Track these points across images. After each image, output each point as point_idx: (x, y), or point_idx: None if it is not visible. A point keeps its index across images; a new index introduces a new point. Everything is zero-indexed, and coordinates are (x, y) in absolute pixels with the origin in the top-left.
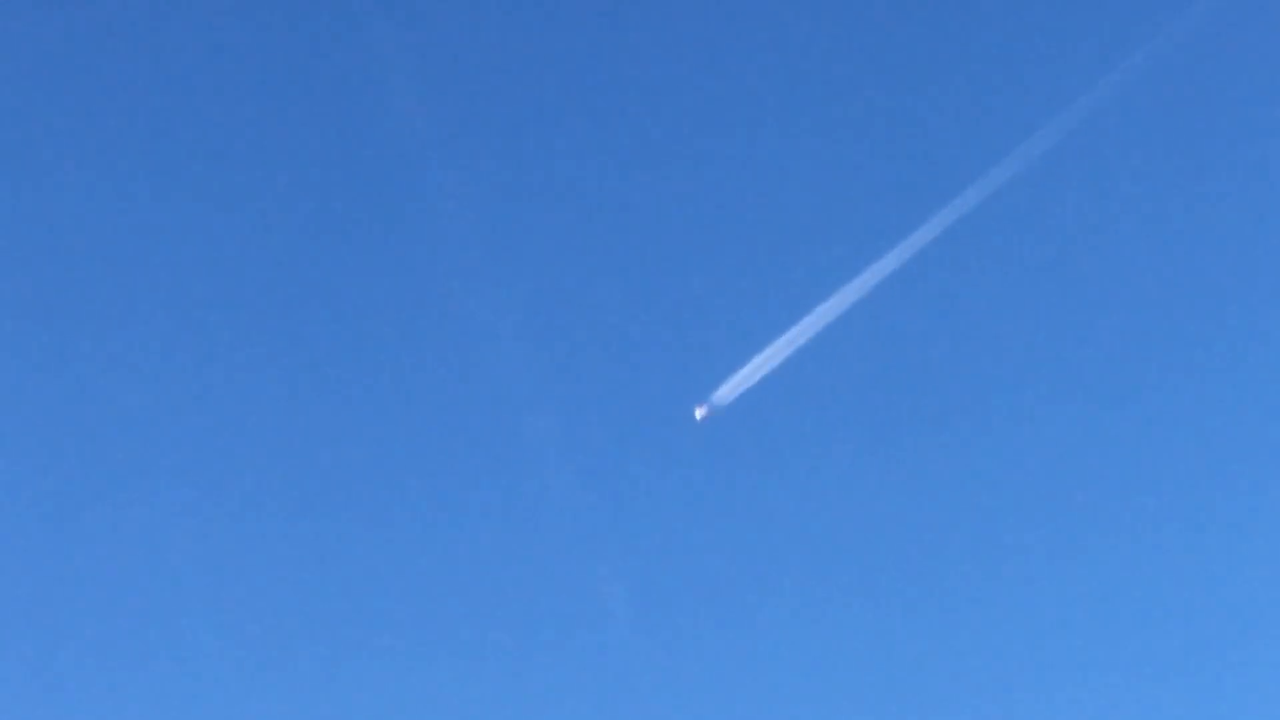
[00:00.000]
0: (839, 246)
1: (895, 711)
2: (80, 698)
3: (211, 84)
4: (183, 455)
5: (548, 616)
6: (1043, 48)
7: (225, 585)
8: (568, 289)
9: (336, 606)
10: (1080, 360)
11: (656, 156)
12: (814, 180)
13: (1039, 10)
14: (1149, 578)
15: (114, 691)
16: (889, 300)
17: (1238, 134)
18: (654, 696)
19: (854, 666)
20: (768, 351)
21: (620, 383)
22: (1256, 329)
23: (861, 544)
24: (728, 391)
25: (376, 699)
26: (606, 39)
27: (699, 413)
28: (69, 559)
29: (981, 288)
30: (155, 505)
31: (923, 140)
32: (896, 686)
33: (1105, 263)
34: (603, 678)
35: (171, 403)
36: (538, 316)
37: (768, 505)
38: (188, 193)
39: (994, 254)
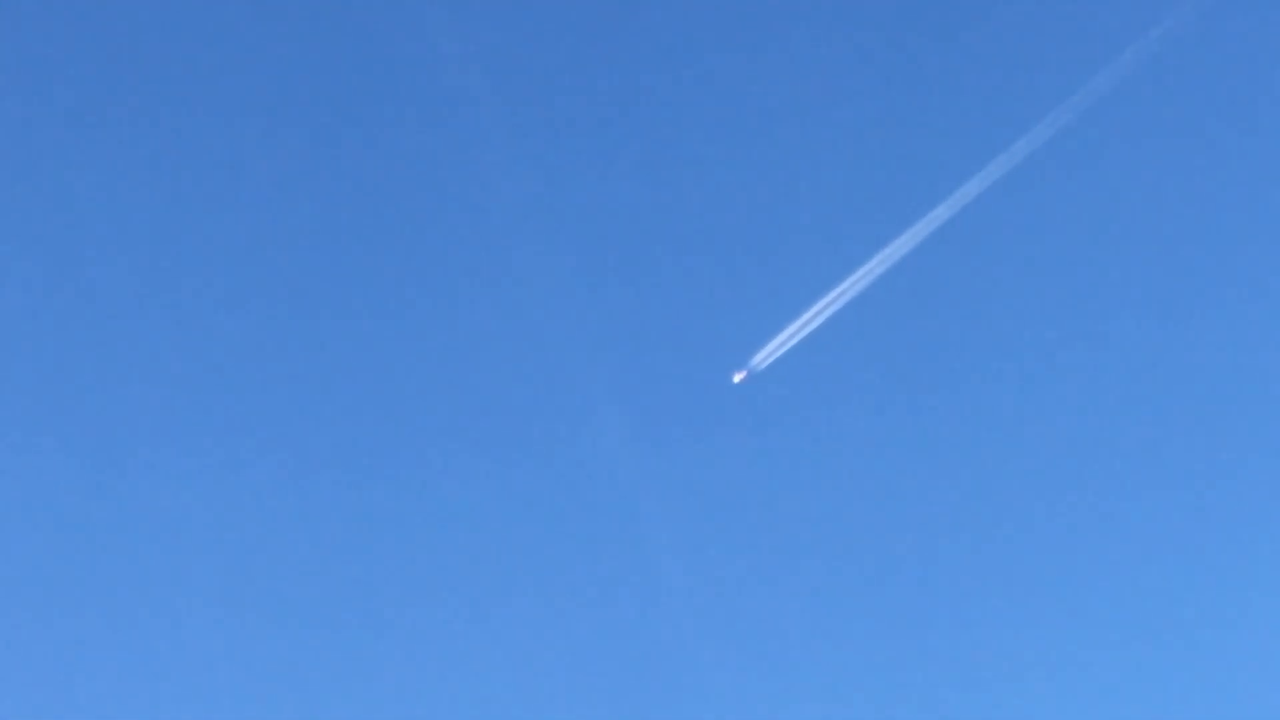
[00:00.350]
0: (867, 221)
1: (912, 642)
2: (91, 691)
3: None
4: (221, 411)
5: (597, 561)
6: (1068, 20)
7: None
8: (619, 267)
9: (390, 571)
10: (1099, 329)
11: (695, 145)
12: (840, 160)
13: None
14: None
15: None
16: (915, 272)
17: (1234, 127)
18: (702, 640)
19: (888, 607)
20: (801, 320)
21: (666, 349)
22: (1258, 318)
23: (883, 496)
24: (764, 357)
25: (436, 658)
26: (644, 37)
27: (737, 377)
28: (81, 542)
29: (1007, 258)
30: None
31: (946, 118)
32: (922, 618)
33: (1124, 234)
34: (651, 623)
35: (207, 378)
36: (592, 291)
37: (800, 459)
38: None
39: (1020, 226)
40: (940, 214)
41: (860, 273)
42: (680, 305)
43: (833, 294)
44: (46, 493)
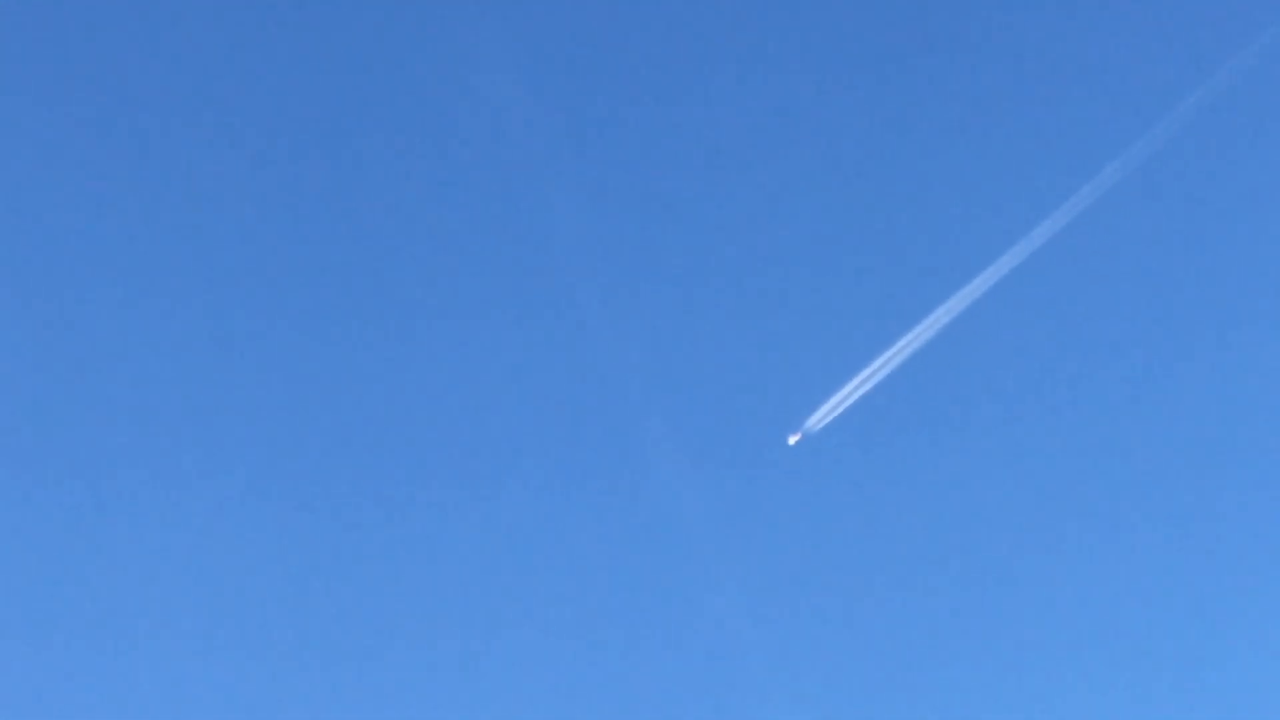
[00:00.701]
0: (914, 287)
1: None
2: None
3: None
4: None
5: (659, 608)
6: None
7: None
8: (681, 328)
9: (441, 609)
10: (1166, 383)
11: (744, 209)
12: (886, 226)
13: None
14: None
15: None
16: (962, 336)
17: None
18: (762, 684)
19: (939, 669)
20: (853, 384)
21: (726, 411)
22: None
23: (936, 559)
24: (819, 419)
25: (486, 698)
26: (708, 93)
27: (793, 439)
28: (73, 556)
29: (1055, 320)
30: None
31: (1000, 175)
32: (980, 681)
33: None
34: (701, 671)
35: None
36: (652, 351)
37: (855, 518)
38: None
39: (1075, 282)
40: (989, 277)
41: (910, 335)
42: (743, 368)
43: (885, 356)
44: (33, 512)
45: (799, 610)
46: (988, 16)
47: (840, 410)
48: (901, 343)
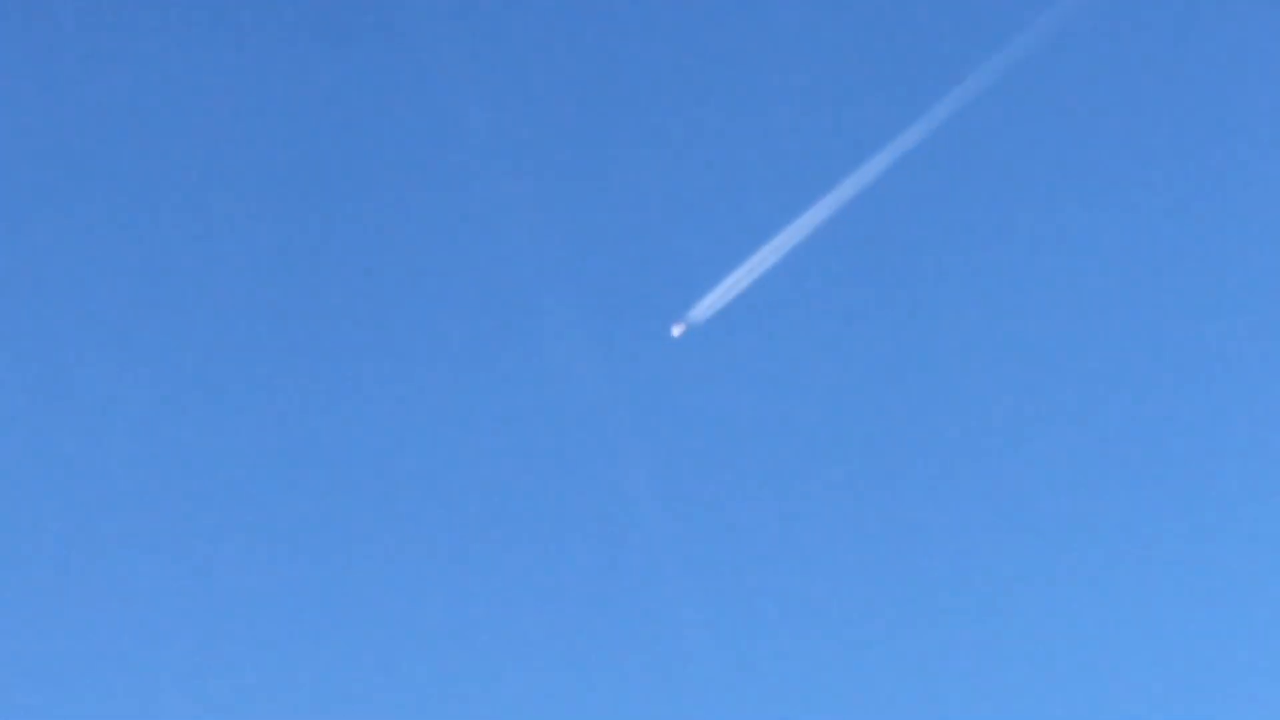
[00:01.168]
0: (812, 162)
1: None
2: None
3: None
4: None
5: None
6: None
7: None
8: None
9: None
10: (1067, 266)
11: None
12: (781, 94)
13: None
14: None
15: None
16: (863, 215)
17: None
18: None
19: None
20: (743, 268)
21: (599, 298)
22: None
23: (837, 456)
24: (704, 308)
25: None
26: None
27: (676, 330)
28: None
29: (964, 197)
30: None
31: (902, 49)
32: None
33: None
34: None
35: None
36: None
37: (747, 416)
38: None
39: (977, 162)
40: (892, 152)
41: (808, 214)
42: (616, 251)
43: (778, 238)
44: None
45: (703, 499)
46: None
47: (731, 297)
48: (797, 222)
